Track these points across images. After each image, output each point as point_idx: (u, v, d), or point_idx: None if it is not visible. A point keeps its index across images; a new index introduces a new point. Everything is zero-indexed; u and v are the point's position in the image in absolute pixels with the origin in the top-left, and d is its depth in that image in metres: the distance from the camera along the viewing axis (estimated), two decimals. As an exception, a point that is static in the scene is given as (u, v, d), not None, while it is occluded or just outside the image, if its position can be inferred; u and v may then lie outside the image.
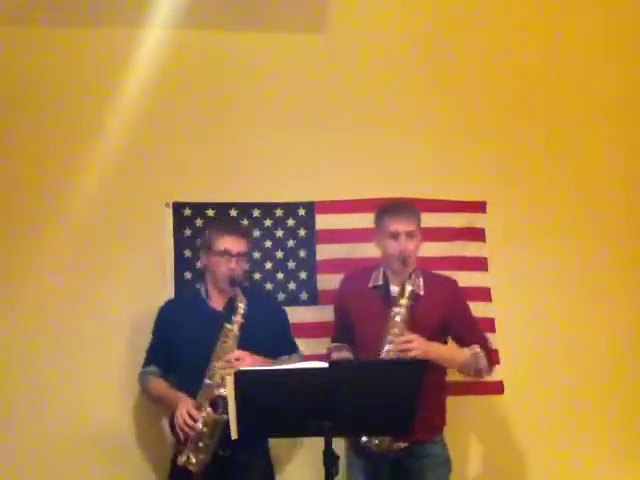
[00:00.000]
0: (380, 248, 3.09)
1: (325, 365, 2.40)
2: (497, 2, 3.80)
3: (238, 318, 2.88)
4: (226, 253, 3.00)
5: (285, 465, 3.42)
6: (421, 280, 3.03)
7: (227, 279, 2.98)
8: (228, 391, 2.39)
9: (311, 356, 3.14)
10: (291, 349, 3.14)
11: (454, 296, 3.08)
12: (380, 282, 3.06)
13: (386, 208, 3.09)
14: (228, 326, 2.88)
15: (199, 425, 2.80)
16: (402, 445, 2.89)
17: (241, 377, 2.37)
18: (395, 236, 2.99)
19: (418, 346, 2.82)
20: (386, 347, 2.85)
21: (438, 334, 2.98)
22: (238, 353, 2.86)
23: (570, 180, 3.75)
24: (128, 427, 3.35)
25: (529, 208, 3.70)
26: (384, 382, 2.43)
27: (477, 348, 2.98)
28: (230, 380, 2.38)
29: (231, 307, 2.95)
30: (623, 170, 3.81)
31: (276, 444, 3.24)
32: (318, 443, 2.36)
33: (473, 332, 3.05)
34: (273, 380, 2.40)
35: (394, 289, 3.01)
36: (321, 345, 3.31)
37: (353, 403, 2.38)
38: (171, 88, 3.54)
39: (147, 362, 3.13)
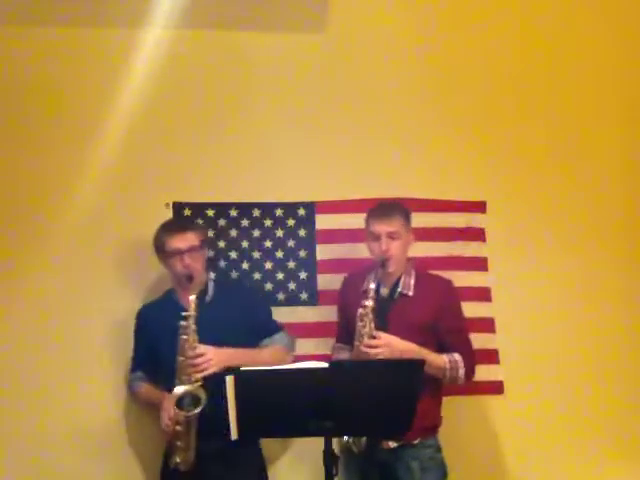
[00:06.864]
0: (369, 250, 3.08)
1: (325, 365, 2.41)
2: (496, 2, 3.80)
3: (190, 312, 2.85)
4: (177, 252, 3.01)
5: (284, 465, 3.41)
6: (412, 280, 3.03)
7: (184, 277, 2.99)
8: (228, 391, 2.39)
9: (311, 356, 3.14)
10: (272, 330, 3.11)
11: (446, 297, 3.04)
12: (372, 285, 3.05)
13: (371, 210, 3.08)
14: (183, 323, 2.85)
15: (174, 425, 2.81)
16: (392, 445, 2.89)
17: (241, 377, 2.37)
18: (376, 237, 2.98)
19: (384, 346, 2.80)
20: (355, 343, 2.87)
21: (426, 335, 2.94)
22: (202, 348, 2.84)
23: (570, 180, 3.75)
24: (128, 427, 3.35)
25: (529, 208, 3.69)
26: (384, 382, 2.44)
27: (457, 356, 2.94)
28: (230, 380, 2.38)
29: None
30: (623, 170, 3.81)
31: (274, 444, 3.24)
32: (318, 443, 2.37)
33: (457, 337, 2.99)
34: (273, 380, 2.40)
35: (384, 291, 3.01)
36: (321, 345, 3.31)
37: (353, 403, 2.39)
38: (171, 88, 3.54)
39: (133, 368, 3.19)
